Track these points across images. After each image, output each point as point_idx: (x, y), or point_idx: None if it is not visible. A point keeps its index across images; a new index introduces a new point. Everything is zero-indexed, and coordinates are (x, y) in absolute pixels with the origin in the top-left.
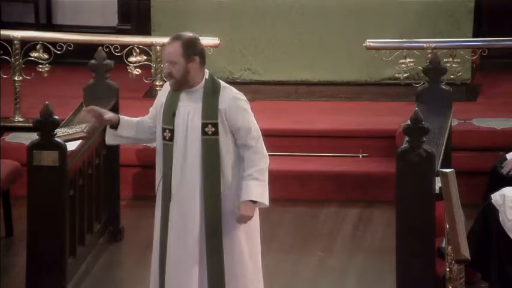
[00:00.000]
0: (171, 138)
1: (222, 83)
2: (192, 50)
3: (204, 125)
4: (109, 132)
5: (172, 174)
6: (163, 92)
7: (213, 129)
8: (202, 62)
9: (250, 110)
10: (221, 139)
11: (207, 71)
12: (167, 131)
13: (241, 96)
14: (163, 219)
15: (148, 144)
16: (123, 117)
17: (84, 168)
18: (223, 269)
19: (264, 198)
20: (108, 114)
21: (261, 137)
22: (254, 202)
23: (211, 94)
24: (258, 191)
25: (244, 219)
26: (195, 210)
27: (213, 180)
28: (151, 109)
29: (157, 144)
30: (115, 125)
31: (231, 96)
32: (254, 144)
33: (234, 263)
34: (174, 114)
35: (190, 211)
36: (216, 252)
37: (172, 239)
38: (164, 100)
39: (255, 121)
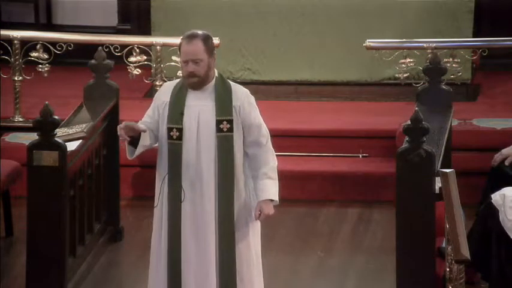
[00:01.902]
0: (180, 137)
1: (230, 81)
2: (211, 45)
3: (218, 122)
4: (130, 147)
5: (183, 173)
6: (165, 91)
7: (228, 125)
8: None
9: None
10: (234, 136)
11: (215, 69)
12: (174, 130)
13: (250, 93)
14: (172, 220)
15: None
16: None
17: (84, 168)
18: (235, 268)
19: (277, 197)
20: (137, 125)
21: (269, 135)
22: (271, 200)
23: (224, 91)
24: (274, 189)
25: (266, 217)
26: (211, 208)
27: (227, 177)
28: (149, 112)
29: (161, 144)
30: (136, 137)
31: (243, 93)
32: (265, 142)
33: (242, 261)
34: (182, 113)
35: (206, 209)
36: (228, 251)
37: (188, 239)
38: (168, 100)
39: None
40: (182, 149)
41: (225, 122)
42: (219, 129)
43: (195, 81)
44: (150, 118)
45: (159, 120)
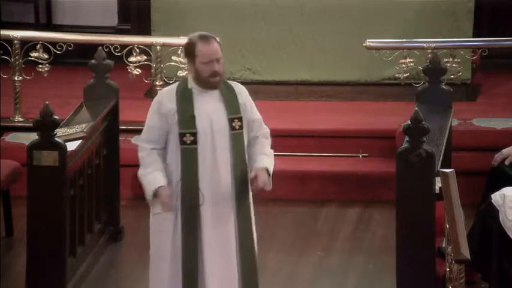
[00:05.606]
0: (195, 141)
1: (227, 80)
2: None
3: (230, 120)
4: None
5: (200, 177)
6: (168, 99)
7: (239, 123)
8: None
9: None
10: (244, 133)
11: None
12: (188, 135)
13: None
14: (189, 225)
15: None
16: (162, 175)
17: (84, 168)
18: (256, 261)
19: (271, 178)
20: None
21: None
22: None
23: (228, 91)
24: (270, 164)
25: (266, 184)
26: (230, 207)
27: (242, 174)
28: (156, 123)
29: (171, 150)
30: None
31: (244, 90)
32: (265, 130)
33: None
34: (194, 117)
35: (226, 209)
36: (249, 244)
37: (209, 241)
38: (175, 107)
39: None
40: (198, 153)
41: (236, 120)
42: (232, 128)
43: (218, 80)
44: (159, 130)
45: (168, 130)
